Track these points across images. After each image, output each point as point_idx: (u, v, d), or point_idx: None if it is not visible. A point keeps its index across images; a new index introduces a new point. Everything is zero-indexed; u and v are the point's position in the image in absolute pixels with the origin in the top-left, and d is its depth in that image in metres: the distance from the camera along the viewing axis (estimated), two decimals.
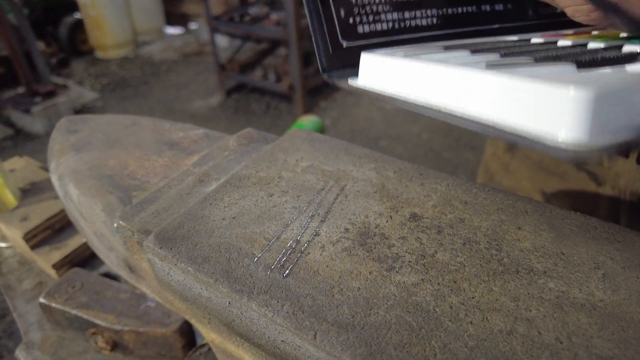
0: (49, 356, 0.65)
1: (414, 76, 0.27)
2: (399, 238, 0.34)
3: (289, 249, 0.33)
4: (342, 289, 0.30)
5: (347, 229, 0.35)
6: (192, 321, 0.41)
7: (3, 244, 0.84)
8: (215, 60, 3.32)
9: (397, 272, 0.31)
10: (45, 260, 0.75)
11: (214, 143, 0.48)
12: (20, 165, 0.93)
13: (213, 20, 3.20)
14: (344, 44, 0.32)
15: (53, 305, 0.63)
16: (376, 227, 0.35)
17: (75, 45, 4.24)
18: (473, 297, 0.29)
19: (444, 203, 0.37)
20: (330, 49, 0.31)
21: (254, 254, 0.32)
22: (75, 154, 0.48)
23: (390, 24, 0.33)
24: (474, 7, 0.37)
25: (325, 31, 0.31)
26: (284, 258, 0.32)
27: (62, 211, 0.79)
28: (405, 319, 0.28)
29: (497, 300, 0.29)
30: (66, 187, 0.46)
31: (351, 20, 0.32)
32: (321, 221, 0.36)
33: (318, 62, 0.31)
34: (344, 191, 0.39)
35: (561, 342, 0.27)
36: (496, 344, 0.27)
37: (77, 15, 4.18)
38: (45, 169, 0.91)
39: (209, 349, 0.59)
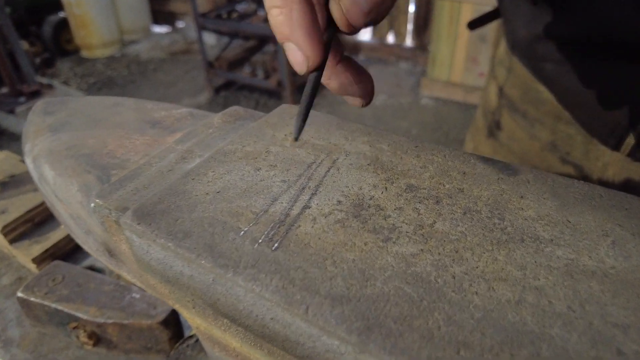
0: (29, 353, 0.62)
1: None
2: (395, 209, 0.32)
3: (278, 222, 0.31)
4: (335, 261, 0.27)
5: (339, 201, 0.33)
6: (176, 306, 0.38)
7: None
8: (203, 58, 3.28)
9: (394, 242, 0.29)
10: (25, 254, 0.72)
11: (199, 121, 0.46)
12: None
13: (200, 18, 3.16)
14: None
15: (32, 299, 0.60)
16: (370, 199, 0.33)
17: (60, 45, 4.17)
18: (477, 267, 0.27)
19: (442, 174, 0.35)
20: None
21: (240, 228, 0.30)
22: (51, 135, 0.46)
23: None
24: None
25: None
26: (273, 231, 0.30)
27: (43, 203, 0.76)
28: (405, 291, 0.26)
29: (502, 269, 0.27)
30: (41, 169, 0.43)
31: None
32: (312, 194, 0.33)
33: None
34: (335, 164, 0.37)
35: (574, 311, 0.25)
36: (504, 314, 0.24)
37: (62, 14, 4.11)
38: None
39: (197, 340, 0.56)
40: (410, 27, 3.80)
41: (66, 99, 0.51)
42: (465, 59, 3.09)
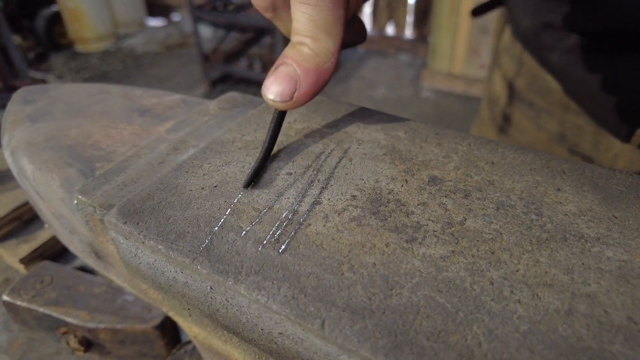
0: None
1: None
2: (418, 204, 0.28)
3: (285, 220, 0.27)
4: (353, 266, 0.24)
5: (354, 196, 0.29)
6: (171, 313, 0.35)
7: None
8: (199, 51, 3.23)
9: (420, 243, 0.25)
10: (12, 254, 0.68)
11: (192, 109, 0.42)
12: None
13: (196, 10, 3.10)
14: None
15: (18, 303, 0.56)
16: (389, 193, 0.29)
17: (53, 39, 4.10)
18: (517, 270, 0.23)
19: (468, 164, 0.31)
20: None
21: (241, 227, 0.26)
22: (30, 125, 0.42)
23: None
24: None
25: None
26: (279, 231, 0.26)
27: None
28: (437, 300, 0.22)
29: (546, 273, 0.23)
30: (20, 162, 0.39)
31: None
32: (322, 188, 0.29)
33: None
34: (347, 154, 0.33)
35: (635, 323, 0.21)
36: (554, 326, 0.21)
37: (55, 8, 4.03)
38: None
39: (195, 346, 0.53)
40: (410, 18, 3.75)
41: (48, 86, 0.47)
42: (466, 50, 3.04)
